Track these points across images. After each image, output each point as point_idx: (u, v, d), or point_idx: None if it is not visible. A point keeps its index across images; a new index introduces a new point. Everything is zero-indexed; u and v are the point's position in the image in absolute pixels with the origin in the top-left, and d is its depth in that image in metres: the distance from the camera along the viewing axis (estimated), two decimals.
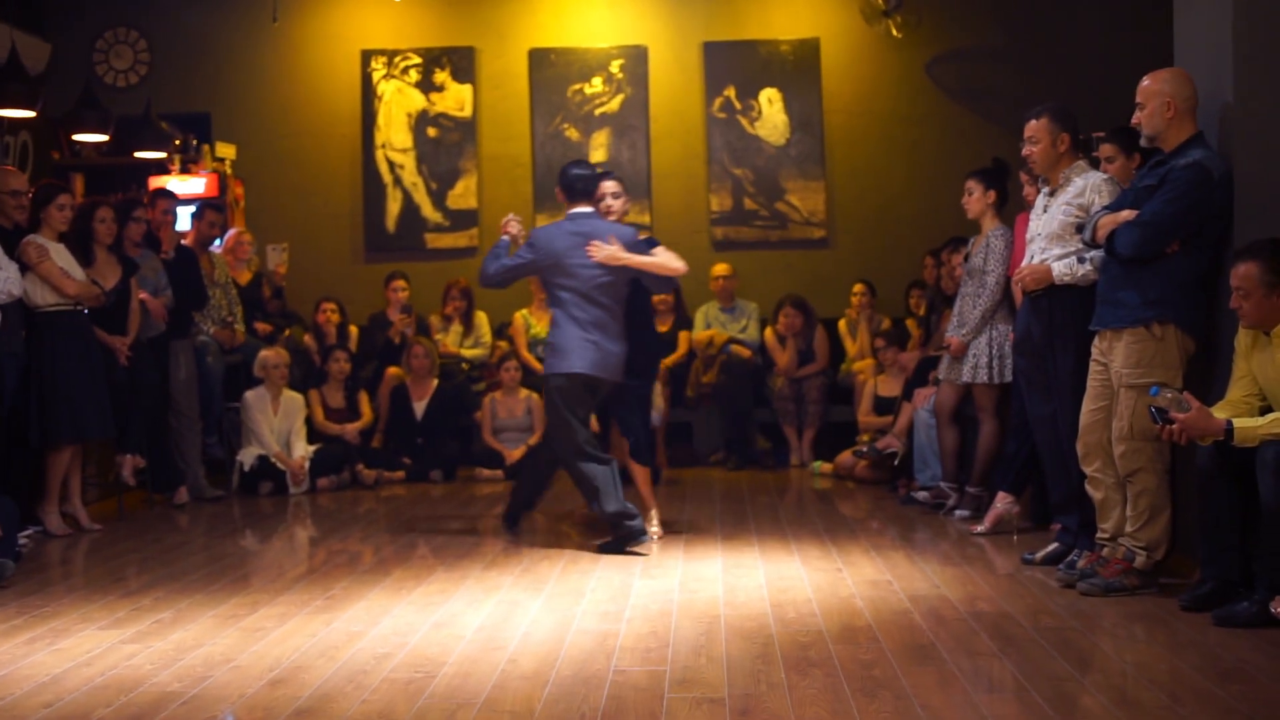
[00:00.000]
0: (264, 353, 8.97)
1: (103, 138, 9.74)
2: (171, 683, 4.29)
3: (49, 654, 4.70)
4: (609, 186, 6.94)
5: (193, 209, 9.25)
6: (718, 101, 10.89)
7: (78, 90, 9.65)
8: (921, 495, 7.59)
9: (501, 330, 10.30)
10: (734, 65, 10.89)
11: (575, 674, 4.30)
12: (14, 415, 7.10)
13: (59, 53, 10.35)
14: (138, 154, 9.88)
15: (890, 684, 4.12)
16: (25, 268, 7.10)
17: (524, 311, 10.26)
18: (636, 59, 10.93)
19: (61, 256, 7.30)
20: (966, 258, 7.28)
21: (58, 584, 6.09)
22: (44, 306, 7.21)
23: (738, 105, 10.89)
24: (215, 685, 4.27)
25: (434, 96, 10.96)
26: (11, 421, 7.09)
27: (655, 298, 10.14)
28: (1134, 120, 5.42)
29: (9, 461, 7.06)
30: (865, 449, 8.63)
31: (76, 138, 9.88)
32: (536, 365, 10.00)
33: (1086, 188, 5.72)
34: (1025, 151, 5.89)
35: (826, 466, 9.24)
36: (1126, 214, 5.28)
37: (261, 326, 9.59)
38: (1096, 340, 5.46)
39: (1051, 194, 5.87)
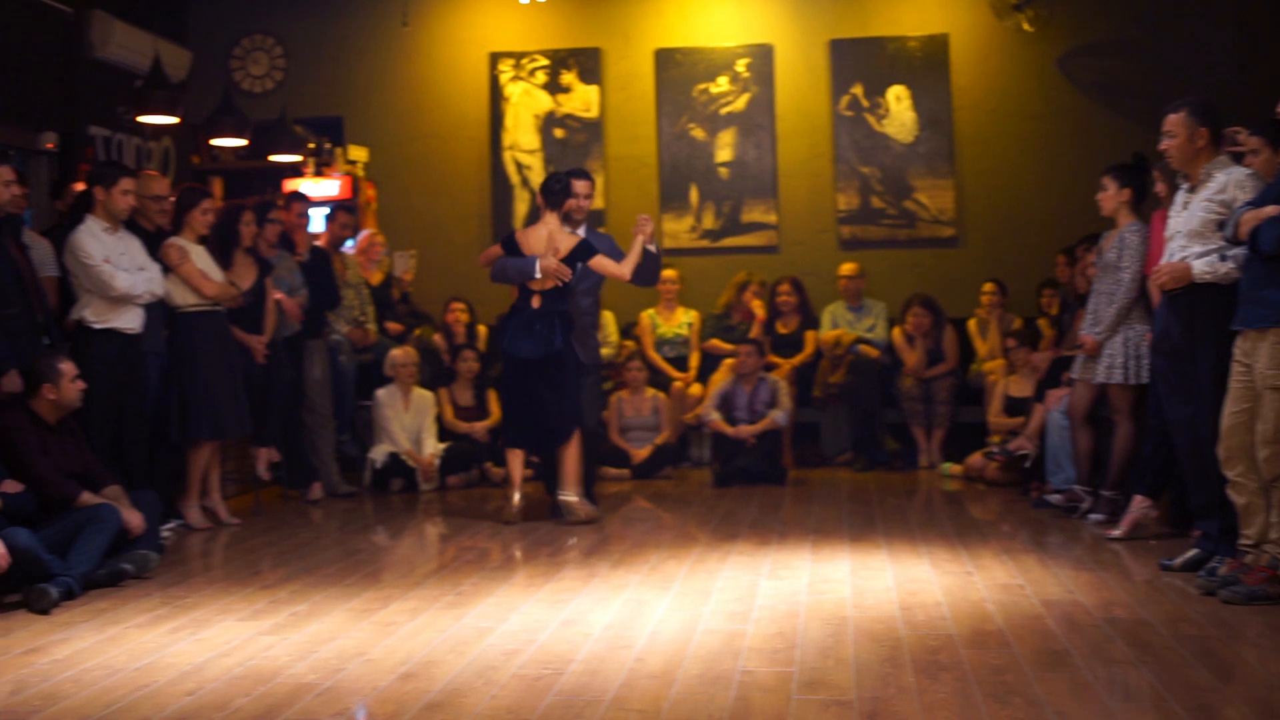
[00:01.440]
0: (394, 352, 9.12)
1: (240, 142, 9.99)
2: (307, 674, 4.39)
3: (190, 644, 4.84)
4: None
5: (326, 211, 9.46)
6: (844, 99, 10.80)
7: (217, 97, 9.92)
8: (1054, 498, 7.43)
9: (628, 330, 10.34)
10: (861, 63, 10.79)
11: (702, 674, 4.29)
12: (156, 412, 7.32)
13: (199, 60, 10.64)
14: (273, 158, 10.12)
15: (1022, 690, 4.05)
16: (167, 269, 7.32)
17: (650, 311, 10.29)
18: (762, 58, 10.89)
19: (201, 258, 7.51)
20: (1100, 255, 7.13)
21: (198, 576, 6.26)
22: (184, 307, 7.42)
23: (865, 103, 10.79)
24: (349, 678, 4.35)
25: (561, 98, 11.05)
26: (154, 418, 7.31)
27: (779, 298, 10.14)
28: (1278, 111, 5.25)
29: (152, 457, 7.28)
30: (996, 450, 8.49)
31: (215, 143, 10.15)
32: (663, 365, 10.04)
33: (1229, 183, 5.55)
34: (1163, 146, 5.74)
35: (956, 468, 9.11)
36: (1271, 209, 5.11)
37: (392, 326, 9.76)
38: (1239, 340, 5.29)
39: (1191, 190, 5.71)
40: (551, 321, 7.26)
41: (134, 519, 6.12)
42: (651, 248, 7.45)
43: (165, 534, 6.77)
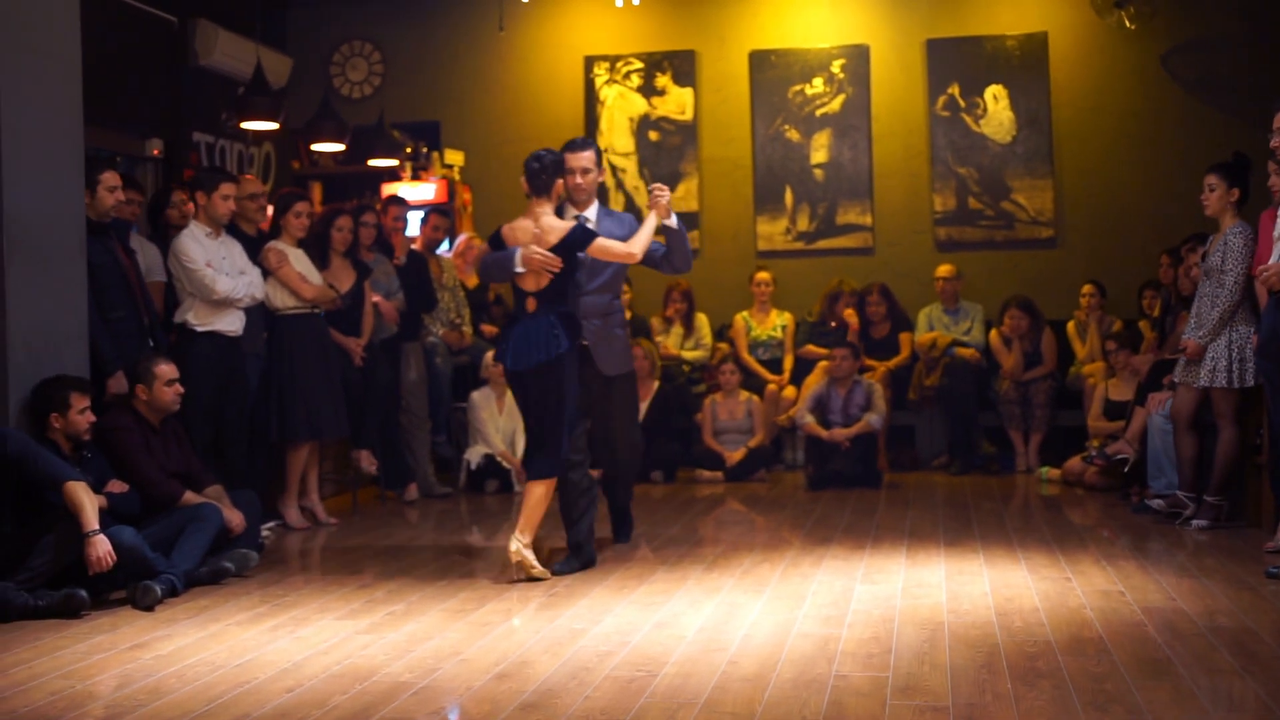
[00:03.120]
0: (490, 354, 9.19)
1: (339, 147, 10.14)
2: (403, 673, 4.44)
3: (290, 641, 4.92)
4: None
5: (422, 214, 9.56)
6: (941, 99, 10.69)
7: (316, 102, 10.08)
8: (1156, 503, 7.28)
9: (722, 332, 10.33)
10: (958, 62, 10.67)
11: (796, 677, 4.27)
12: (255, 413, 7.45)
13: (299, 67, 10.83)
14: (371, 162, 10.26)
15: (1123, 698, 3.97)
16: (267, 272, 7.45)
17: (744, 314, 10.27)
18: (858, 58, 10.81)
19: (300, 261, 7.63)
20: (1204, 257, 6.97)
21: (297, 575, 6.36)
22: (283, 309, 7.55)
23: (962, 103, 10.66)
24: (444, 677, 4.39)
25: (655, 100, 11.06)
26: (253, 419, 7.44)
27: (869, 307, 10.04)
28: None
29: (252, 457, 7.41)
30: (1095, 454, 8.34)
31: (315, 148, 10.31)
32: (757, 367, 10.01)
33: None
34: (1275, 144, 5.61)
35: (1054, 472, 8.97)
36: None
37: (488, 328, 9.83)
38: None
39: None
40: (551, 325, 5.99)
41: (235, 518, 6.24)
42: (672, 223, 6.30)
43: (265, 533, 6.89)
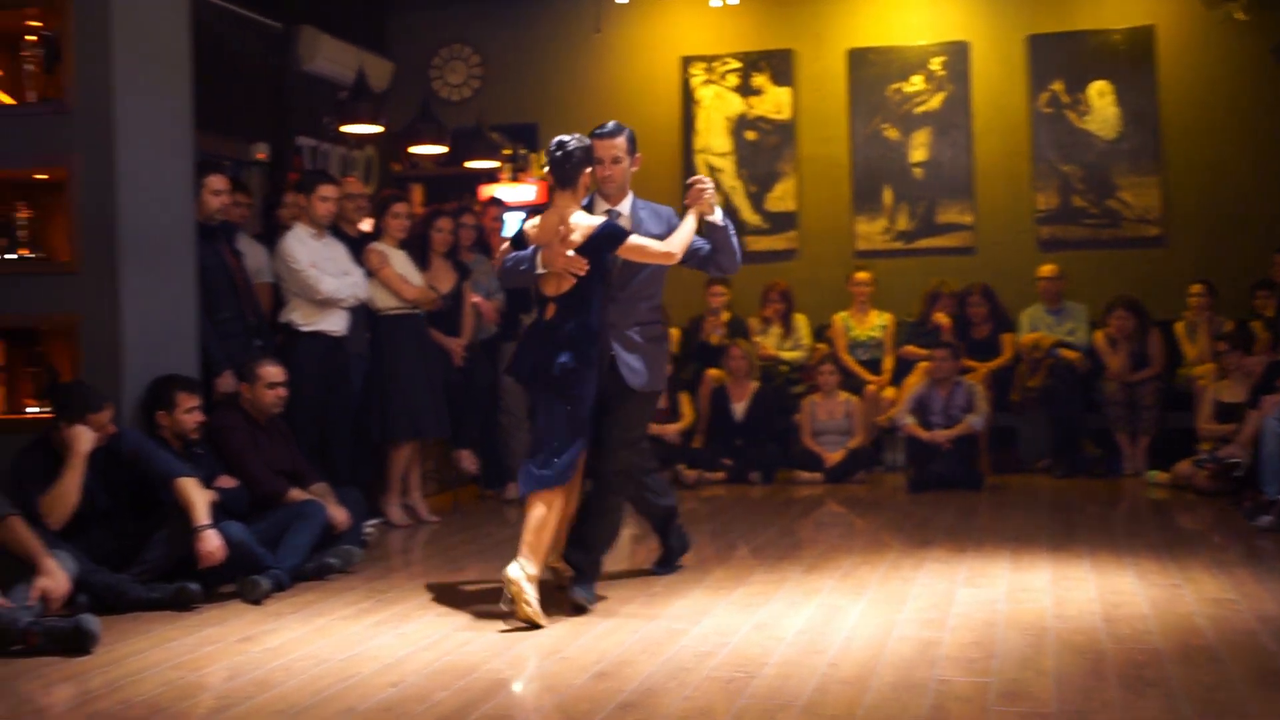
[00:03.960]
0: None
1: (439, 149, 10.24)
2: (504, 670, 4.47)
3: (393, 637, 4.98)
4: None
5: (521, 215, 9.62)
6: (1044, 96, 10.52)
7: (416, 105, 10.19)
8: (1264, 521, 7.07)
9: (821, 333, 10.26)
10: (1061, 58, 10.50)
11: (896, 681, 4.23)
12: (358, 412, 7.55)
13: (400, 71, 10.96)
14: (470, 164, 10.35)
15: (1235, 709, 3.87)
16: (369, 273, 7.54)
17: (843, 314, 10.19)
18: (958, 55, 10.68)
19: (401, 263, 7.72)
20: None
21: (399, 572, 6.43)
22: (385, 310, 7.64)
23: (1065, 99, 10.49)
24: (544, 674, 4.42)
25: (753, 100, 11.02)
26: (357, 419, 7.54)
27: (970, 308, 9.89)
28: None
29: (355, 456, 7.51)
30: (1206, 458, 8.15)
31: (415, 150, 10.43)
32: (857, 368, 9.93)
33: None
34: None
35: (1163, 476, 8.78)
36: None
37: None
38: None
39: None
40: (565, 339, 5.26)
41: (339, 515, 6.34)
42: (717, 218, 5.53)
43: (368, 530, 6.98)
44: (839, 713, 3.91)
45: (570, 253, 5.23)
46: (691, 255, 5.51)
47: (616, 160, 5.49)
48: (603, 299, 5.35)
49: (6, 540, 5.02)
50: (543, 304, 5.40)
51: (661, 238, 5.43)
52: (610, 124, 5.55)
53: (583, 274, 5.22)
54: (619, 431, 5.48)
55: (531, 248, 5.35)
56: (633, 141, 5.57)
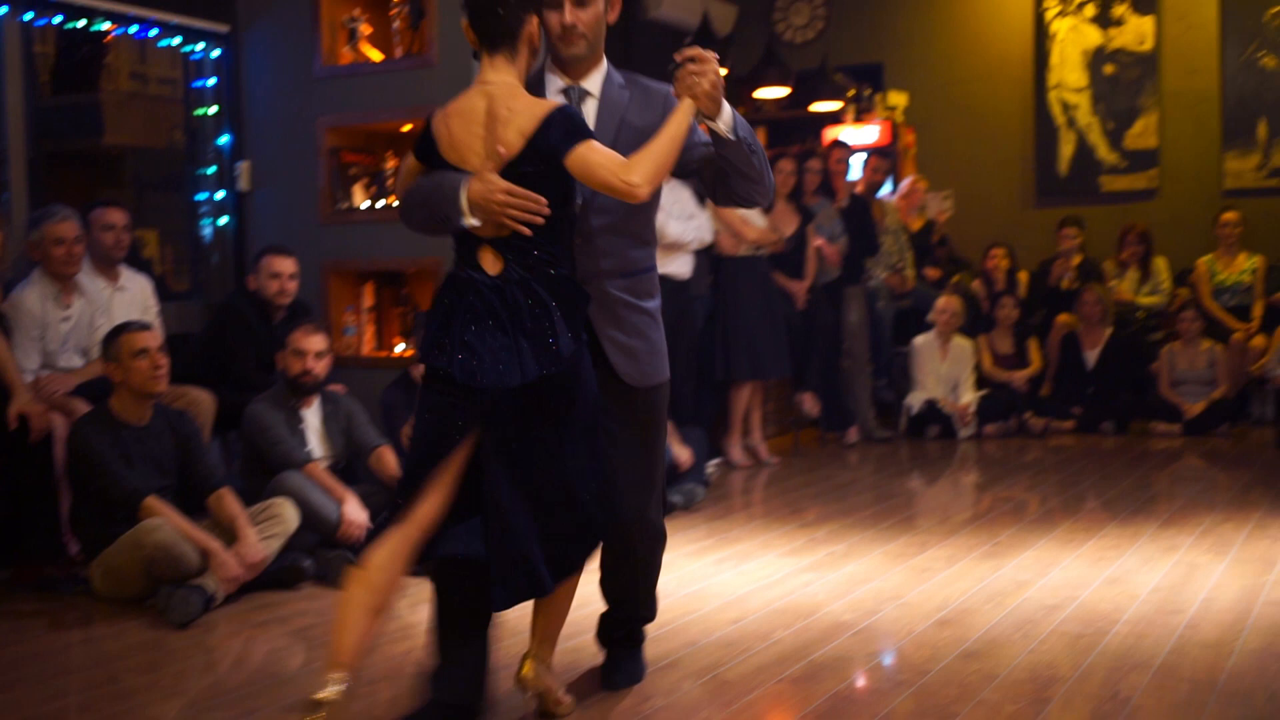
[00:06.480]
0: (940, 300, 9.03)
1: (782, 92, 10.21)
2: (844, 613, 4.47)
3: (734, 575, 5.06)
4: None
5: (864, 157, 9.51)
6: None
7: (759, 49, 10.19)
8: None
9: (1182, 277, 9.69)
10: None
11: (1264, 648, 3.97)
12: (701, 353, 7.68)
13: (744, 15, 10.98)
14: (814, 106, 10.28)
15: None
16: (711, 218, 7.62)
17: (1208, 257, 9.59)
18: None
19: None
20: None
21: (739, 511, 6.53)
22: (728, 253, 7.71)
23: None
24: (884, 620, 4.39)
25: (1112, 32, 10.46)
26: (699, 359, 7.68)
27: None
28: None
29: (699, 396, 7.65)
30: None
31: (758, 94, 10.43)
32: (1222, 314, 9.34)
33: None
34: None
35: None
36: None
37: (930, 272, 9.70)
38: None
39: None
40: (533, 304, 3.17)
41: (683, 454, 6.48)
42: (722, 125, 3.36)
43: (710, 470, 7.10)
44: (1197, 677, 3.72)
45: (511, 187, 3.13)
46: (686, 168, 3.48)
47: (582, 1, 3.42)
48: (570, 235, 3.33)
49: (312, 474, 5.28)
50: (468, 249, 3.24)
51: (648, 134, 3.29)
52: None
53: (539, 220, 3.16)
54: (628, 456, 3.45)
55: (455, 174, 3.21)
56: None
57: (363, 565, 3.15)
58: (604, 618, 3.83)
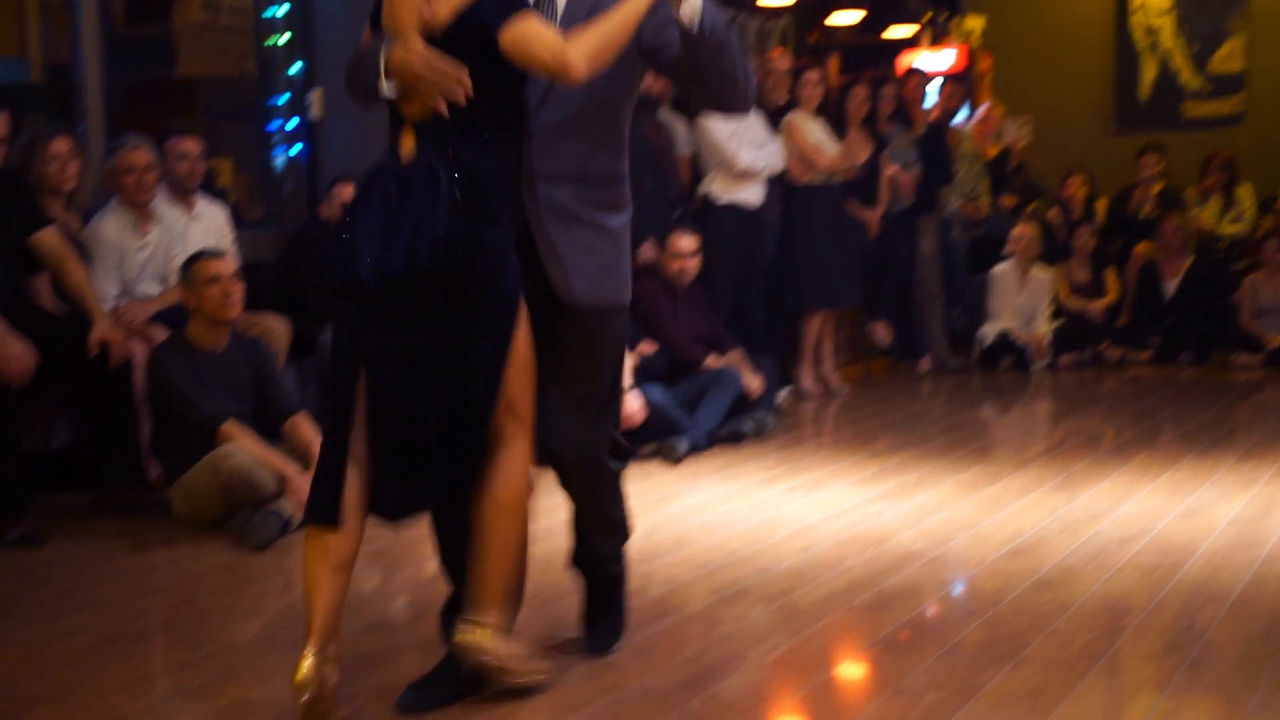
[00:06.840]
0: (1018, 229, 8.88)
1: (856, 17, 10.05)
2: (915, 542, 4.45)
3: (804, 503, 5.06)
4: None
5: (939, 84, 9.35)
6: None
7: None
8: None
9: (1267, 205, 9.47)
10: None
11: None
12: (773, 282, 7.63)
13: None
14: (888, 33, 10.11)
15: None
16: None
17: None
18: None
19: (817, 133, 7.67)
20: None
21: (809, 440, 6.51)
22: (800, 180, 7.64)
23: None
24: (956, 549, 4.37)
25: None
26: (771, 288, 7.63)
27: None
28: None
29: (771, 324, 7.62)
30: None
31: (831, 20, 10.28)
32: None
33: None
34: None
35: None
36: None
37: (1006, 200, 9.55)
38: None
39: None
40: (430, 192, 2.87)
41: (754, 382, 6.47)
42: (688, 13, 2.89)
43: (780, 398, 7.09)
44: (1275, 610, 3.67)
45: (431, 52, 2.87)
46: (660, 59, 3.08)
47: None
48: (512, 128, 3.04)
49: None
50: (395, 132, 3.02)
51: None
52: None
53: (459, 95, 2.87)
54: (564, 385, 3.17)
55: (379, 40, 3.01)
56: None
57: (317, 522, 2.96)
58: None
